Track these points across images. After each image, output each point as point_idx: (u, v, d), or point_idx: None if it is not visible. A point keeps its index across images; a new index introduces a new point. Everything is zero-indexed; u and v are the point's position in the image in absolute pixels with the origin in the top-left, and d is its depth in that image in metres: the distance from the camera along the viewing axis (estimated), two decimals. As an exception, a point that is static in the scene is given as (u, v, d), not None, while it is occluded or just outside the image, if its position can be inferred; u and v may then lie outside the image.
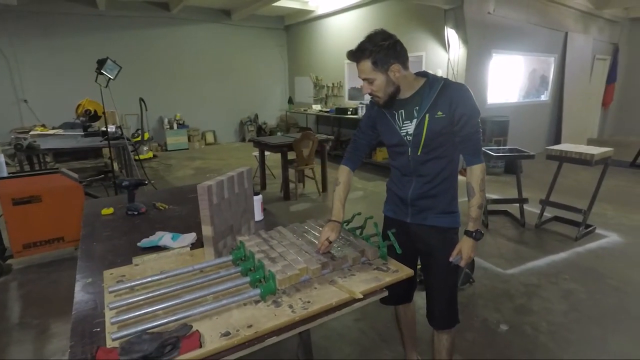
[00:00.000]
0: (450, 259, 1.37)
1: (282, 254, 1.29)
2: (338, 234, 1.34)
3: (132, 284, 1.18)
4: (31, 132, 5.14)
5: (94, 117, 4.97)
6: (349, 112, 6.96)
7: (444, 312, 1.48)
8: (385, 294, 1.22)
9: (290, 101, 9.32)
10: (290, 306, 1.09)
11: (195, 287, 1.16)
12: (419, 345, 1.91)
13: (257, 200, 1.84)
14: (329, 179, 5.21)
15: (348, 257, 1.30)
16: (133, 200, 2.01)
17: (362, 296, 1.15)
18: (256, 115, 9.61)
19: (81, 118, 4.92)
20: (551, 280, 2.70)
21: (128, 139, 4.56)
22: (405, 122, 1.35)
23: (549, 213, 3.79)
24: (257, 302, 1.12)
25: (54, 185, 2.92)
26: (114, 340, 0.93)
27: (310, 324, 1.07)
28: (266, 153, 5.20)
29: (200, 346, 0.92)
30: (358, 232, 1.53)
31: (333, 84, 8.28)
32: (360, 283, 1.21)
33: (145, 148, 7.28)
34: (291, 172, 4.83)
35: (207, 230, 1.35)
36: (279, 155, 4.77)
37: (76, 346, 0.97)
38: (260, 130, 9.41)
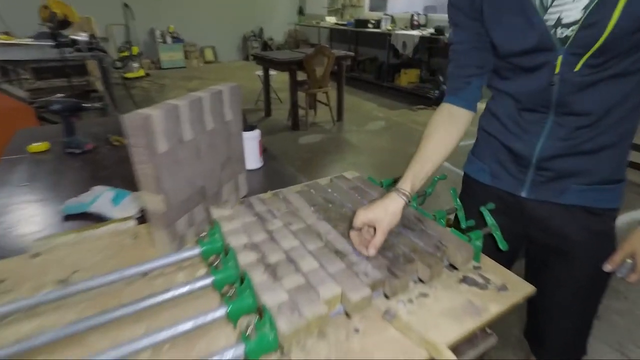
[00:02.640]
0: (609, 267, 0.75)
1: (290, 254, 0.67)
2: (391, 221, 0.68)
3: (5, 308, 0.60)
4: (-8, 41, 4.33)
5: (65, 22, 4.12)
6: (369, 25, 5.89)
7: (570, 343, 0.89)
8: (493, 342, 0.63)
9: (301, 12, 8.07)
10: (309, 385, 0.51)
11: (126, 319, 0.58)
12: None
13: (253, 138, 1.19)
14: (346, 105, 4.45)
15: (419, 265, 0.68)
16: (73, 133, 1.37)
17: (453, 356, 0.56)
18: (261, 30, 8.44)
19: (48, 24, 4.06)
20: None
21: (104, 51, 3.75)
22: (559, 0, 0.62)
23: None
24: (239, 367, 0.54)
25: (-4, 107, 2.27)
26: None
27: None
28: (271, 72, 4.38)
29: None
30: (419, 200, 0.90)
31: (351, -10, 7.00)
32: (441, 318, 0.62)
33: (135, 65, 6.39)
34: (301, 96, 4.07)
35: (153, 202, 0.73)
36: (286, 75, 3.97)
37: None
38: (265, 46, 8.34)
